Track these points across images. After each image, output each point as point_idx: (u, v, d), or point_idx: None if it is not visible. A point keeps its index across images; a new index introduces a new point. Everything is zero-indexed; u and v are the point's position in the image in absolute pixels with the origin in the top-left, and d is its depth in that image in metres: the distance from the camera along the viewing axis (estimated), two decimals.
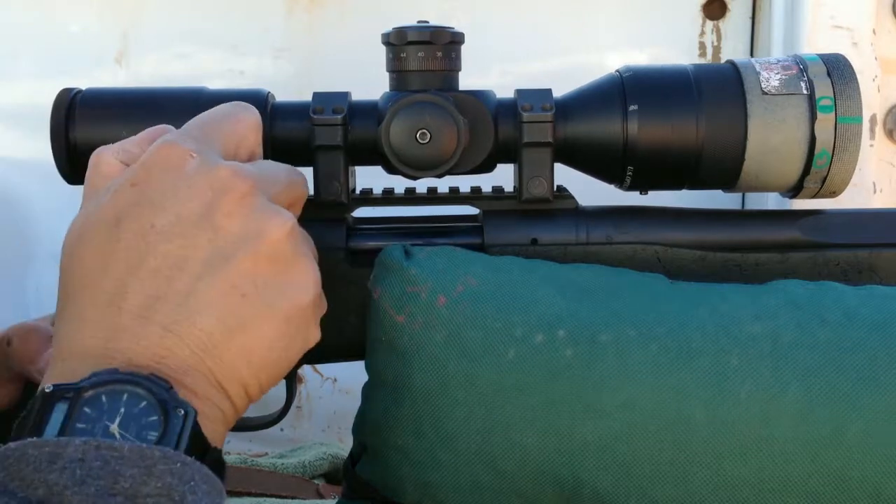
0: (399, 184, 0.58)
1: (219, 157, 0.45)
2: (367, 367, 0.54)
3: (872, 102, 0.75)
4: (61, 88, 0.56)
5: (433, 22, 0.56)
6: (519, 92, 0.56)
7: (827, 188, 0.57)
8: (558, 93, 0.57)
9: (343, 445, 0.87)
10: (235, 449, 0.89)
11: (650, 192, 0.59)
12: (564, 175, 0.58)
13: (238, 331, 0.43)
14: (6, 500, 0.35)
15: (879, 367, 0.49)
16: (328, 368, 0.84)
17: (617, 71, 0.57)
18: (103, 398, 0.39)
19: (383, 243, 0.55)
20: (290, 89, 0.79)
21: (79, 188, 0.58)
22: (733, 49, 0.82)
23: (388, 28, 0.56)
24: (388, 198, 0.59)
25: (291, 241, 0.46)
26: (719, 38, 0.82)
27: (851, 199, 0.66)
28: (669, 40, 0.82)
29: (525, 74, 0.82)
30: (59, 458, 0.36)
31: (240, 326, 0.43)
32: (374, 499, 0.54)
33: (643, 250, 0.57)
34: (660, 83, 0.55)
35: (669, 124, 0.55)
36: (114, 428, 0.38)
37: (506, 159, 0.57)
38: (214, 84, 0.59)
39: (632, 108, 0.55)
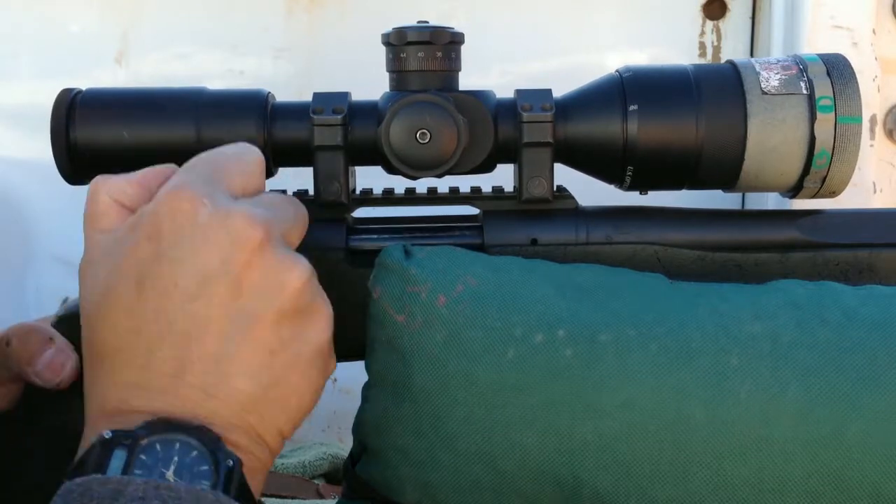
0: (399, 184, 0.58)
1: (229, 200, 0.45)
2: (367, 367, 0.54)
3: (872, 102, 0.75)
4: (61, 89, 0.56)
5: (433, 22, 0.56)
6: (519, 92, 0.56)
7: (827, 188, 0.57)
8: (558, 93, 0.57)
9: (343, 445, 0.87)
10: None
11: (650, 192, 0.59)
12: (564, 175, 0.58)
13: (272, 386, 0.45)
14: None
15: (879, 367, 0.49)
16: None
17: (617, 71, 0.57)
18: (158, 446, 0.41)
19: (383, 243, 0.55)
20: (290, 89, 0.79)
21: (79, 189, 0.58)
22: (733, 49, 0.82)
23: (388, 28, 0.56)
24: (389, 198, 0.59)
25: (310, 289, 0.47)
26: (719, 38, 0.82)
27: (851, 199, 0.66)
28: (669, 40, 0.82)
29: (525, 74, 0.82)
30: (122, 495, 0.38)
31: (273, 382, 0.45)
32: (374, 499, 0.54)
33: (643, 250, 0.57)
34: (659, 83, 0.55)
35: (669, 124, 0.55)
36: (169, 475, 0.40)
37: (506, 159, 0.57)
38: (214, 84, 0.59)
39: (631, 108, 0.55)
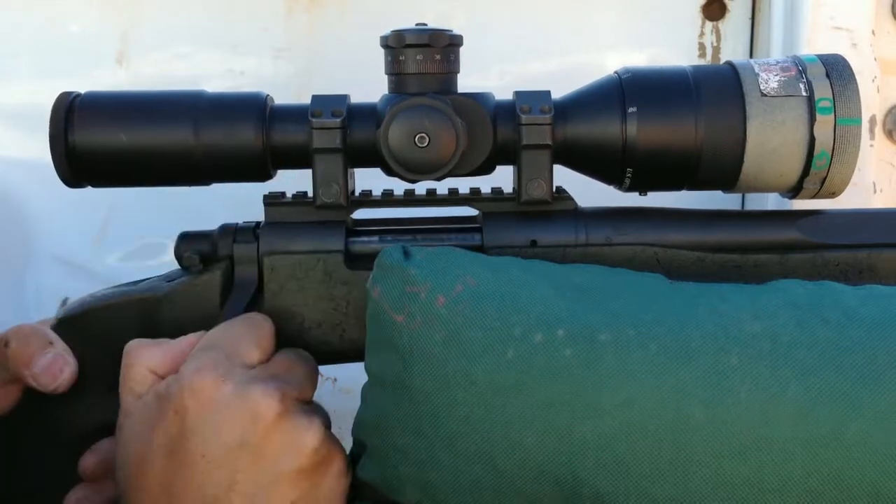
0: (398, 185, 0.58)
1: (247, 374, 0.51)
2: (367, 368, 0.54)
3: (872, 103, 0.75)
4: (60, 92, 0.56)
5: (431, 24, 0.56)
6: (517, 94, 0.56)
7: (826, 189, 0.57)
8: (557, 94, 0.57)
9: (343, 445, 0.87)
10: None
11: (649, 194, 0.59)
12: (564, 176, 0.58)
13: None
14: None
15: (879, 367, 0.49)
16: (328, 368, 0.83)
17: (616, 72, 0.57)
18: None
19: (383, 245, 0.55)
20: (290, 90, 0.79)
21: (80, 189, 0.58)
22: (733, 50, 0.82)
23: (388, 29, 0.56)
24: (388, 200, 0.59)
25: (325, 444, 0.52)
26: (719, 38, 0.82)
27: (851, 199, 0.66)
28: (669, 41, 0.82)
29: (524, 75, 0.82)
30: None
31: None
32: (374, 499, 0.55)
33: (642, 252, 0.57)
34: (659, 85, 0.55)
35: (668, 126, 0.55)
36: None
37: (505, 161, 0.57)
38: (214, 84, 0.59)
39: (631, 109, 0.55)
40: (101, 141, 0.55)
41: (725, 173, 0.56)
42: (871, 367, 0.49)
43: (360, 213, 0.60)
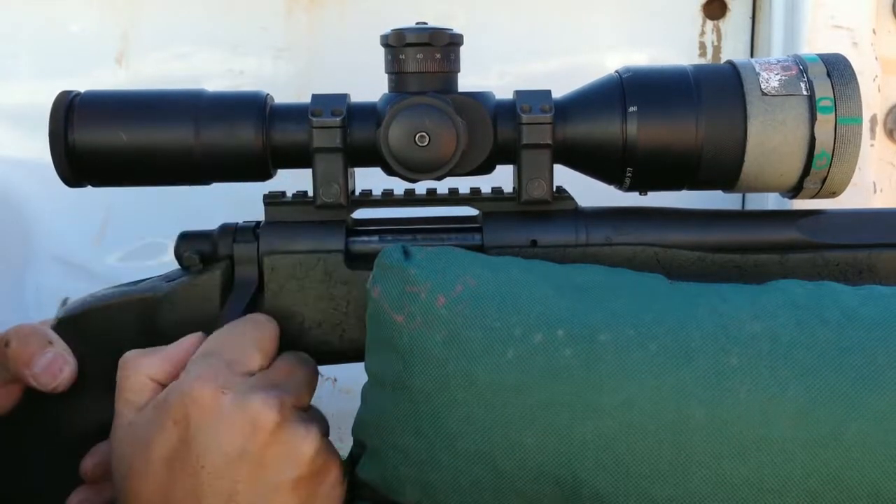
0: (399, 185, 0.58)
1: (247, 383, 0.51)
2: (367, 368, 0.54)
3: (872, 102, 0.75)
4: (60, 91, 0.56)
5: (432, 23, 0.56)
6: (518, 93, 0.56)
7: (827, 189, 0.57)
8: (558, 93, 0.57)
9: (343, 445, 0.87)
10: None
11: (650, 193, 0.59)
12: (564, 176, 0.58)
13: None
14: None
15: (879, 367, 0.49)
16: (328, 368, 0.83)
17: (616, 72, 0.57)
18: None
19: (383, 245, 0.55)
20: (290, 89, 0.79)
21: (80, 189, 0.58)
22: (733, 49, 0.82)
23: (388, 29, 0.56)
24: (388, 199, 0.59)
25: (322, 451, 0.52)
26: (719, 38, 0.82)
27: (851, 199, 0.66)
28: (669, 40, 0.82)
29: (524, 75, 0.82)
30: None
31: None
32: (374, 499, 0.55)
33: (643, 252, 0.57)
34: (659, 84, 0.55)
35: (669, 125, 0.55)
36: None
37: (505, 161, 0.57)
38: (214, 84, 0.59)
39: (631, 109, 0.55)
40: (101, 140, 0.55)
41: (726, 173, 0.56)
42: (870, 368, 0.49)
43: (361, 213, 0.60)
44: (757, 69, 0.56)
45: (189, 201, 0.67)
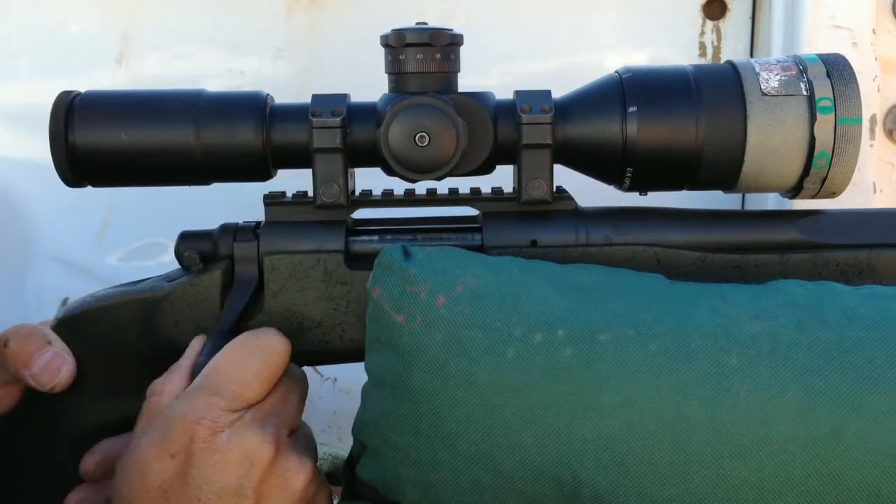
0: (399, 185, 0.58)
1: (244, 418, 0.51)
2: (367, 368, 0.54)
3: (872, 102, 0.75)
4: (60, 91, 0.56)
5: (432, 23, 0.56)
6: (518, 93, 0.56)
7: (826, 189, 0.57)
8: (558, 93, 0.57)
9: (343, 445, 0.87)
10: None
11: (650, 193, 0.59)
12: (564, 176, 0.58)
13: None
14: None
15: (878, 367, 0.49)
16: (328, 368, 0.83)
17: (616, 72, 0.57)
18: None
19: (383, 245, 0.55)
20: (290, 89, 0.79)
21: (79, 189, 0.58)
22: (733, 49, 0.82)
23: (388, 29, 0.56)
24: (388, 199, 0.59)
25: (315, 481, 0.53)
26: (719, 38, 0.82)
27: (851, 199, 0.66)
28: (669, 40, 0.82)
29: (524, 75, 0.82)
30: None
31: None
32: (374, 499, 0.55)
33: (643, 252, 0.57)
34: (659, 84, 0.55)
35: (669, 125, 0.55)
36: None
37: (505, 161, 0.57)
38: (214, 84, 0.59)
39: (631, 109, 0.55)
40: (102, 140, 0.55)
41: (726, 173, 0.56)
42: (870, 368, 0.49)
43: (361, 213, 0.60)
44: (757, 69, 0.56)
45: (189, 201, 0.67)
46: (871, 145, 0.76)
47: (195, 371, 0.54)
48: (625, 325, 0.50)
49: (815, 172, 0.55)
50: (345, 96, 0.56)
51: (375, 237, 0.58)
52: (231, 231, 0.58)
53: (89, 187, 0.58)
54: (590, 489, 0.49)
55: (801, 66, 0.55)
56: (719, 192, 0.59)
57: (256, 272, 0.58)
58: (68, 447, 0.58)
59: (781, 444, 0.48)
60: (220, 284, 0.57)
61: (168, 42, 0.82)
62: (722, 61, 0.63)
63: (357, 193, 0.59)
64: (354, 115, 0.56)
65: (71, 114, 0.55)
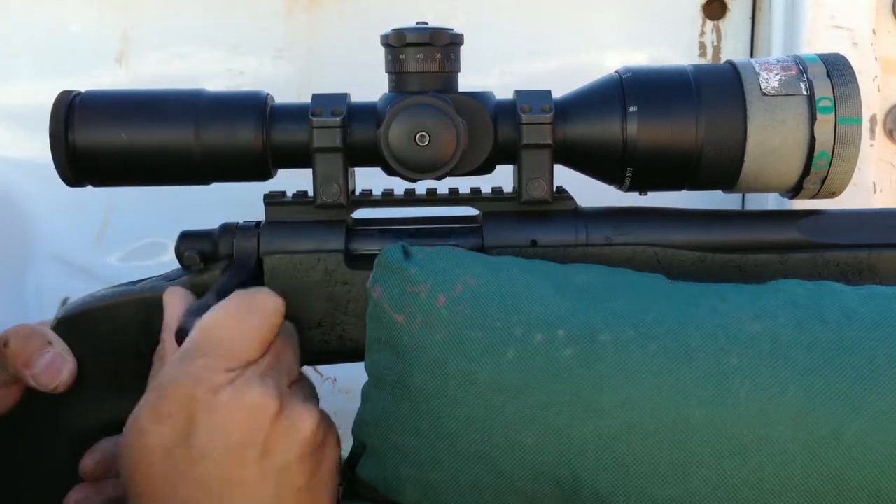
0: (399, 185, 0.58)
1: (244, 375, 0.50)
2: (367, 368, 0.54)
3: (872, 102, 0.75)
4: (60, 91, 0.56)
5: (432, 23, 0.56)
6: (518, 93, 0.56)
7: (826, 189, 0.57)
8: (558, 93, 0.57)
9: (343, 445, 0.87)
10: None
11: (650, 193, 0.59)
12: (564, 176, 0.58)
13: None
14: None
15: (878, 367, 0.49)
16: (328, 368, 0.83)
17: (616, 72, 0.57)
18: None
19: (383, 244, 0.55)
20: (290, 89, 0.79)
21: (79, 189, 0.58)
22: (733, 49, 0.82)
23: (388, 29, 0.56)
24: (388, 199, 0.59)
25: (321, 426, 0.52)
26: (719, 38, 0.82)
27: (851, 199, 0.66)
28: (669, 40, 0.82)
29: (524, 75, 0.82)
30: None
31: None
32: (374, 499, 0.55)
33: (643, 252, 0.57)
34: (659, 84, 0.55)
35: (669, 125, 0.55)
36: None
37: (505, 161, 0.57)
38: (214, 84, 0.59)
39: (631, 109, 0.55)
40: (102, 140, 0.55)
41: (726, 173, 0.56)
42: (870, 368, 0.49)
43: (361, 213, 0.60)
44: (757, 69, 0.56)
45: (189, 201, 0.67)
46: (872, 145, 0.76)
47: (184, 327, 0.52)
48: (625, 325, 0.50)
49: (815, 172, 0.55)
50: (345, 96, 0.56)
51: (376, 237, 0.58)
52: (231, 231, 0.58)
53: (89, 187, 0.58)
54: (590, 489, 0.49)
55: (801, 66, 0.55)
56: (719, 192, 0.59)
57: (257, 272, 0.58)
58: (68, 447, 0.58)
59: (781, 444, 0.48)
60: None
61: (168, 42, 0.82)
62: (722, 61, 0.63)
63: (357, 193, 0.59)
64: (354, 114, 0.56)
65: (71, 113, 0.55)
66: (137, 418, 0.50)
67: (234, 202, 0.63)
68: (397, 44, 0.55)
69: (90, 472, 0.57)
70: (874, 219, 0.59)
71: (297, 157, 0.56)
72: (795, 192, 0.58)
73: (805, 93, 0.55)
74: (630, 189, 0.58)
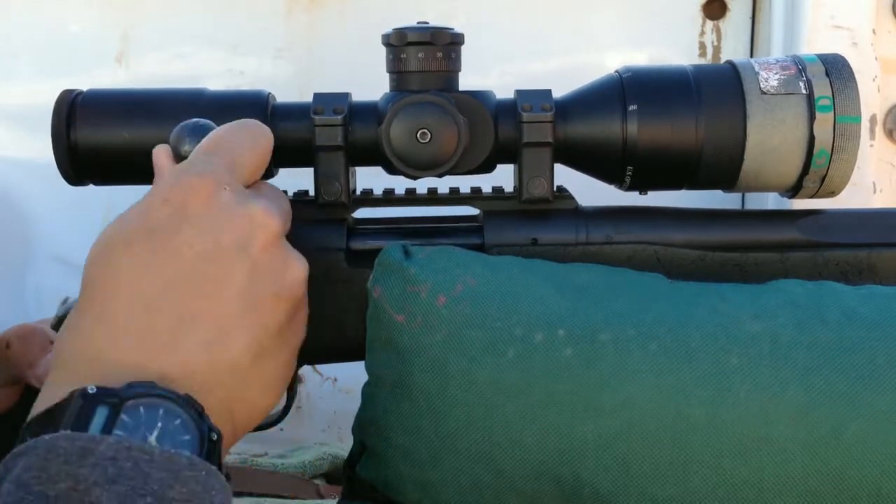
0: (399, 184, 0.58)
1: (246, 190, 0.48)
2: (367, 367, 0.54)
3: (872, 102, 0.75)
4: (62, 90, 0.56)
5: (433, 22, 0.56)
6: (519, 92, 0.56)
7: (826, 188, 0.57)
8: (558, 93, 0.57)
9: (343, 445, 0.87)
10: (235, 449, 0.89)
11: (650, 192, 0.59)
12: (564, 175, 0.58)
13: (259, 360, 0.46)
14: (22, 493, 0.36)
15: (878, 367, 0.49)
16: (328, 368, 0.84)
17: (616, 71, 0.57)
18: (141, 409, 0.40)
19: (383, 244, 0.55)
20: (291, 89, 0.79)
21: (80, 189, 0.58)
22: (733, 49, 0.82)
23: (388, 28, 0.56)
24: (389, 198, 0.59)
25: (304, 289, 0.49)
26: (719, 38, 0.82)
27: (851, 198, 0.66)
28: (669, 40, 0.82)
29: (525, 74, 0.82)
30: (91, 454, 0.37)
31: (260, 356, 0.46)
32: (375, 499, 0.54)
33: (643, 250, 0.57)
34: (659, 83, 0.55)
35: (669, 124, 0.55)
36: (152, 440, 0.39)
37: (506, 159, 0.57)
38: (214, 84, 0.59)
39: (631, 108, 0.55)
40: (103, 138, 0.55)
41: (726, 172, 0.56)
42: (870, 368, 0.49)
43: (362, 212, 0.60)
44: (756, 69, 0.56)
45: None
46: (871, 145, 0.76)
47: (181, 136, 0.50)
48: (625, 325, 0.50)
49: (815, 171, 0.56)
50: (346, 95, 0.56)
51: (376, 236, 0.58)
52: None
53: (90, 186, 0.58)
54: (590, 488, 0.49)
55: (800, 66, 0.56)
56: (719, 192, 0.59)
57: None
58: None
59: (781, 443, 0.48)
60: None
61: (168, 42, 0.82)
62: (722, 61, 0.63)
63: (358, 192, 0.59)
64: (356, 113, 0.56)
65: (73, 112, 0.55)
66: (133, 206, 0.47)
67: None
68: (398, 43, 0.55)
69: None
70: (874, 218, 0.59)
71: (299, 156, 0.56)
72: (795, 191, 0.58)
73: (804, 92, 0.55)
74: (630, 188, 0.58)
